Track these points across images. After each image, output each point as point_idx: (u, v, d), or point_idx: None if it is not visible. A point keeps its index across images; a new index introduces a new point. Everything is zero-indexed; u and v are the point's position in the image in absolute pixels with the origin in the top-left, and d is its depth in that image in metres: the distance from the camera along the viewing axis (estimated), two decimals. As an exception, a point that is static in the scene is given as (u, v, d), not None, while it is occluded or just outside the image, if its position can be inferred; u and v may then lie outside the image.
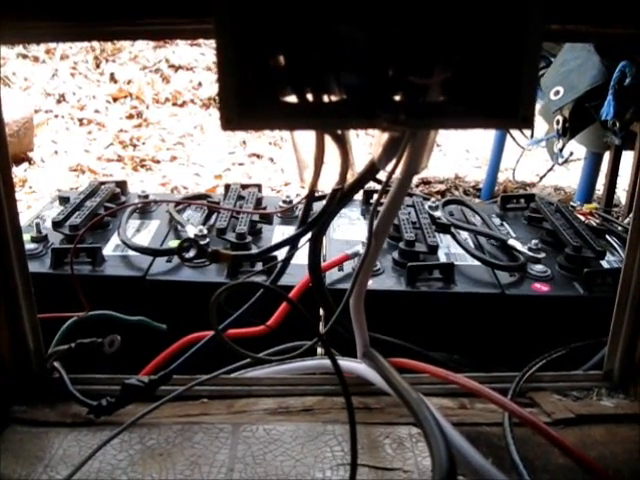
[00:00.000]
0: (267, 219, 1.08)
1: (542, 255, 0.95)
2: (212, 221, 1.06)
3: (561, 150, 1.50)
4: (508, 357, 0.77)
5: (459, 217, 1.12)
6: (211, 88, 3.15)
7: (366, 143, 2.31)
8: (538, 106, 1.55)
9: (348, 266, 0.93)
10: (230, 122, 0.38)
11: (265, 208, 1.13)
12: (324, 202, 0.64)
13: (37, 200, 2.11)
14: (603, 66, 1.33)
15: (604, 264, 0.97)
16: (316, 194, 0.78)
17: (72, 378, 0.66)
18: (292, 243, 0.72)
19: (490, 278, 0.92)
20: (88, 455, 0.55)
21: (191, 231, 0.98)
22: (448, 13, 0.37)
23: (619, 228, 1.12)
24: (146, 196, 1.14)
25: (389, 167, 0.51)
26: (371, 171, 0.57)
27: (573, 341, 0.78)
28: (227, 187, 1.18)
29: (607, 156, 1.68)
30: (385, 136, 0.50)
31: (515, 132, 1.87)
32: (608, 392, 0.69)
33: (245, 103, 0.38)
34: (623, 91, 1.27)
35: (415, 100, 0.39)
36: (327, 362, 0.69)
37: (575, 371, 0.74)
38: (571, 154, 1.54)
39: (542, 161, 2.28)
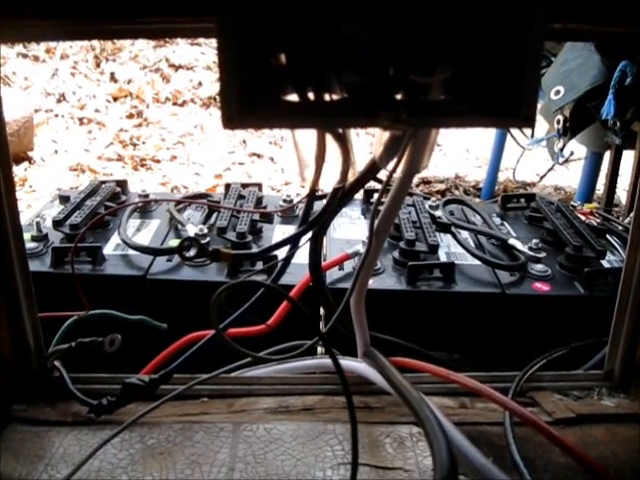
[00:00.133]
0: (267, 218, 1.07)
1: (542, 255, 0.95)
2: (212, 220, 1.06)
3: (561, 150, 1.50)
4: (509, 356, 0.77)
5: (459, 216, 1.12)
6: (211, 87, 3.15)
7: (367, 142, 2.31)
8: (539, 106, 1.55)
9: (348, 265, 0.93)
10: (231, 120, 0.38)
11: (265, 207, 1.13)
12: (325, 201, 0.64)
13: (37, 199, 2.11)
14: (604, 66, 1.32)
15: (605, 264, 0.97)
16: (317, 193, 0.78)
17: (72, 377, 0.66)
18: (293, 242, 0.72)
19: (491, 277, 0.92)
20: (88, 454, 0.55)
21: (191, 230, 0.97)
22: (450, 12, 0.37)
23: (619, 228, 1.12)
24: (146, 195, 1.14)
25: (390, 166, 0.51)
26: (372, 170, 0.57)
27: (574, 341, 0.78)
28: (227, 186, 1.18)
29: (607, 156, 1.68)
30: (386, 135, 0.50)
31: (515, 132, 1.87)
32: (609, 392, 0.69)
33: (246, 101, 0.38)
34: (624, 91, 1.27)
35: (416, 99, 0.39)
36: (328, 361, 0.69)
37: (576, 371, 0.74)
38: (571, 154, 1.54)
39: (542, 161, 2.28)
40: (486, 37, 0.38)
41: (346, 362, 0.68)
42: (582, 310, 0.88)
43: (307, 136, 0.48)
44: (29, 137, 2.53)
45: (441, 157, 2.63)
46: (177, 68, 3.33)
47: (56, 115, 2.88)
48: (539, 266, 0.94)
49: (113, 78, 3.19)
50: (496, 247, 1.02)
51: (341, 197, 0.61)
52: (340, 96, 0.39)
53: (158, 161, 2.56)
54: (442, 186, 2.38)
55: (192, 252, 0.64)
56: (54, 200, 1.17)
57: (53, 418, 0.63)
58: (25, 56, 3.21)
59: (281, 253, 0.83)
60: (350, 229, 1.08)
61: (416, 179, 2.30)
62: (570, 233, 1.00)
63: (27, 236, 0.94)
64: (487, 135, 2.44)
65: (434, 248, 0.95)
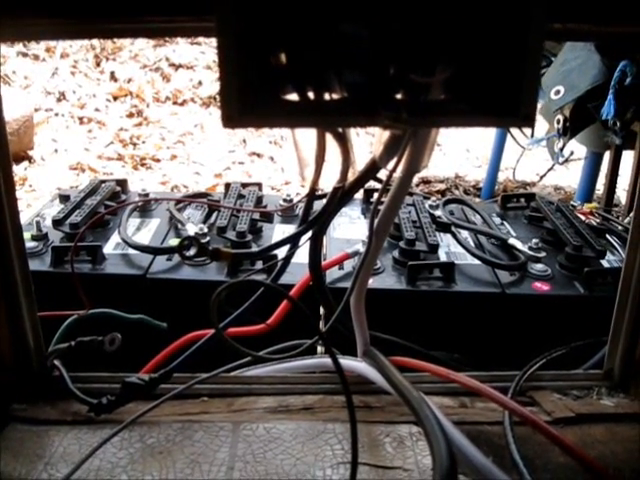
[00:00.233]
0: (267, 218, 1.07)
1: (542, 254, 0.95)
2: (212, 219, 1.06)
3: (561, 149, 1.50)
4: (508, 356, 0.77)
5: (459, 216, 1.12)
6: (211, 87, 3.15)
7: (367, 142, 2.31)
8: (539, 105, 1.55)
9: (348, 265, 0.93)
10: (231, 119, 0.38)
11: (265, 207, 1.13)
12: (325, 201, 0.64)
13: (37, 199, 2.11)
14: (604, 65, 1.32)
15: (604, 263, 0.97)
16: (317, 193, 0.78)
17: (72, 376, 0.66)
18: (292, 242, 0.72)
19: (490, 277, 0.92)
20: (88, 453, 0.55)
21: (191, 229, 0.97)
22: (450, 11, 0.37)
23: (619, 227, 1.12)
24: (146, 194, 1.14)
25: (390, 165, 0.51)
26: (372, 169, 0.57)
27: (573, 340, 0.78)
28: (227, 186, 1.18)
29: (607, 156, 1.68)
30: (386, 134, 0.50)
31: (515, 131, 1.87)
32: (608, 391, 0.69)
33: (246, 101, 0.38)
34: (624, 90, 1.27)
35: (417, 98, 0.39)
36: (327, 361, 0.69)
37: (575, 370, 0.74)
38: (571, 153, 1.54)
39: (542, 160, 2.28)
40: (486, 37, 0.38)
41: (346, 361, 0.68)
42: (582, 310, 0.88)
43: (307, 135, 0.48)
44: (29, 136, 2.53)
45: (441, 157, 2.63)
46: (177, 67, 3.32)
47: (56, 114, 2.88)
48: (539, 266, 0.94)
49: (113, 77, 3.19)
50: (496, 247, 1.02)
51: (341, 196, 0.61)
52: (340, 95, 0.39)
53: (158, 160, 2.56)
54: (442, 186, 2.38)
55: (192, 251, 0.64)
56: (54, 199, 1.17)
57: (53, 417, 0.63)
58: (25, 55, 3.21)
59: (281, 252, 0.83)
60: (350, 229, 1.08)
61: (416, 179, 2.30)
62: (570, 233, 1.00)
63: (27, 235, 0.94)
64: (487, 135, 2.44)
65: (434, 248, 0.95)
